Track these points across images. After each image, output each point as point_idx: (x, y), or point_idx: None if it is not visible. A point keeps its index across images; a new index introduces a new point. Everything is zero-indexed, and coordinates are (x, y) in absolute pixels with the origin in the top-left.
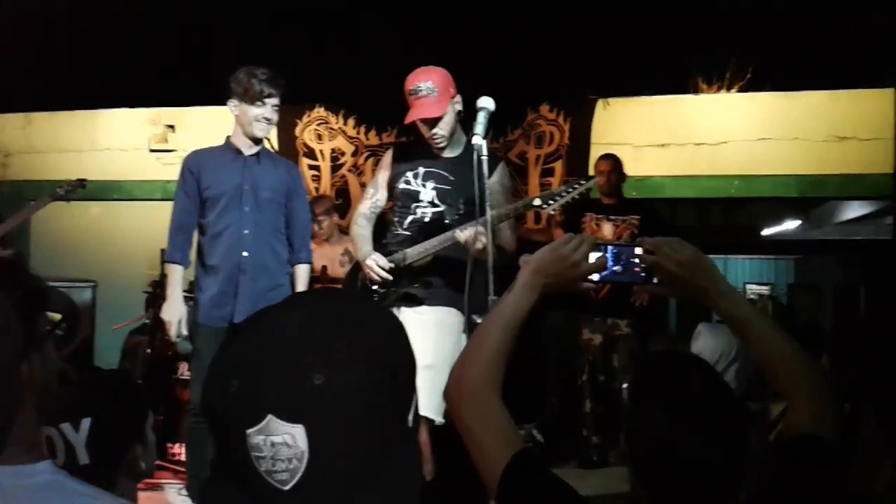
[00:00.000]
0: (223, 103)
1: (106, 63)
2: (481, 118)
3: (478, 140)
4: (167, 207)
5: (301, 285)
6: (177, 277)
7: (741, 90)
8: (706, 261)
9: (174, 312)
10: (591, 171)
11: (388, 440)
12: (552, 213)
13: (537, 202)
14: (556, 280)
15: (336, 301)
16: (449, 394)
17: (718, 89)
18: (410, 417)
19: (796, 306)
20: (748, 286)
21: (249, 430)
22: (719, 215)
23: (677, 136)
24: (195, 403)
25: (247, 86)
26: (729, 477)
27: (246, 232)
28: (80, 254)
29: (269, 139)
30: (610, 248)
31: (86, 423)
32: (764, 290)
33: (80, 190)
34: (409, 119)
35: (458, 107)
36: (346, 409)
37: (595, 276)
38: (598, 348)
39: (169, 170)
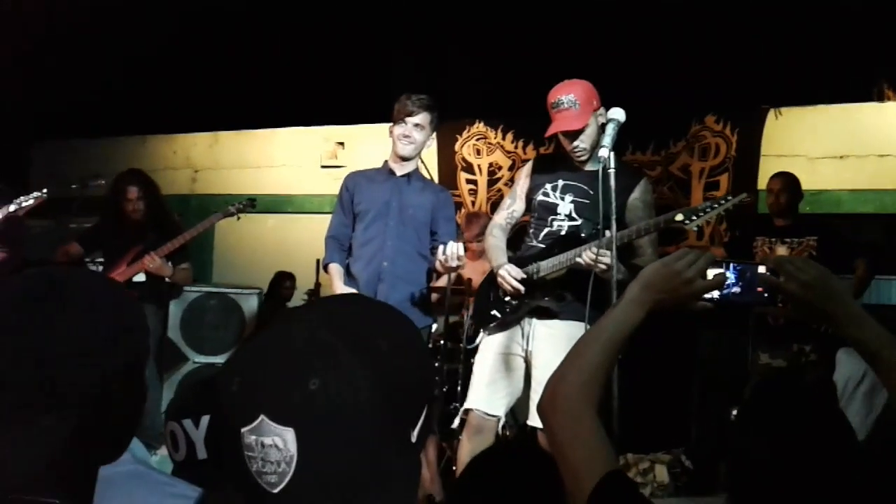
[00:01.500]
0: (388, 121)
1: (284, 84)
2: (610, 130)
3: (605, 152)
4: None
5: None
6: (337, 272)
7: None
8: (835, 283)
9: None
10: (761, 185)
11: (385, 453)
12: (695, 229)
13: (679, 217)
14: (667, 297)
15: (358, 308)
16: (542, 408)
17: None
18: (415, 433)
19: None
20: None
21: (244, 429)
22: None
23: (858, 146)
24: None
25: (396, 107)
26: None
27: (389, 243)
28: (255, 261)
29: (423, 163)
30: (731, 265)
31: (205, 419)
32: None
33: (251, 208)
34: (549, 132)
35: (602, 119)
36: (340, 417)
37: (712, 295)
38: (777, 374)
39: (337, 185)
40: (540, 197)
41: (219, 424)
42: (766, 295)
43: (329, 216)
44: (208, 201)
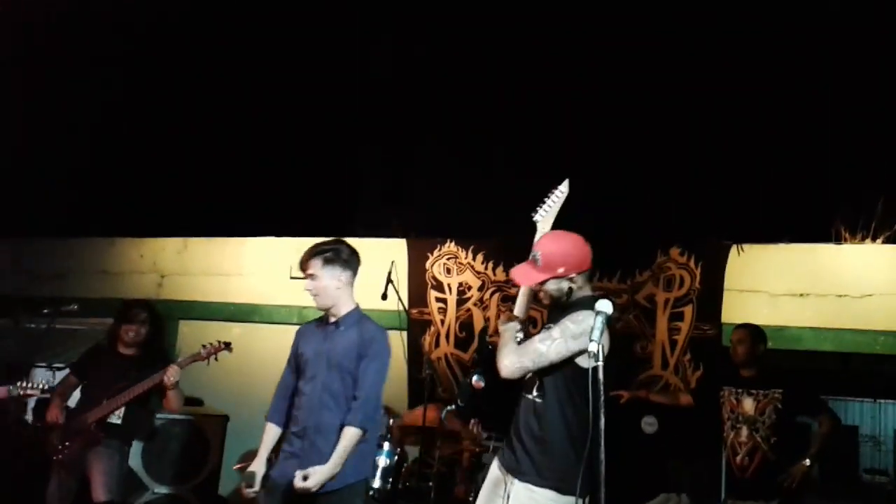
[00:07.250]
0: (360, 235)
1: (258, 192)
2: (598, 323)
3: (594, 347)
4: None
5: (341, 448)
6: (268, 437)
7: (887, 241)
8: None
9: (255, 468)
10: (725, 318)
11: None
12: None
13: None
14: None
15: None
16: None
17: (863, 239)
18: None
19: None
20: None
21: None
22: (865, 366)
23: (818, 285)
24: None
25: None
26: None
27: (316, 396)
28: (220, 372)
29: (392, 283)
30: None
31: None
32: None
33: (226, 351)
34: (509, 274)
35: (569, 284)
36: None
37: None
38: None
39: (306, 297)
40: None
41: None
42: None
43: (295, 328)
44: (174, 307)
